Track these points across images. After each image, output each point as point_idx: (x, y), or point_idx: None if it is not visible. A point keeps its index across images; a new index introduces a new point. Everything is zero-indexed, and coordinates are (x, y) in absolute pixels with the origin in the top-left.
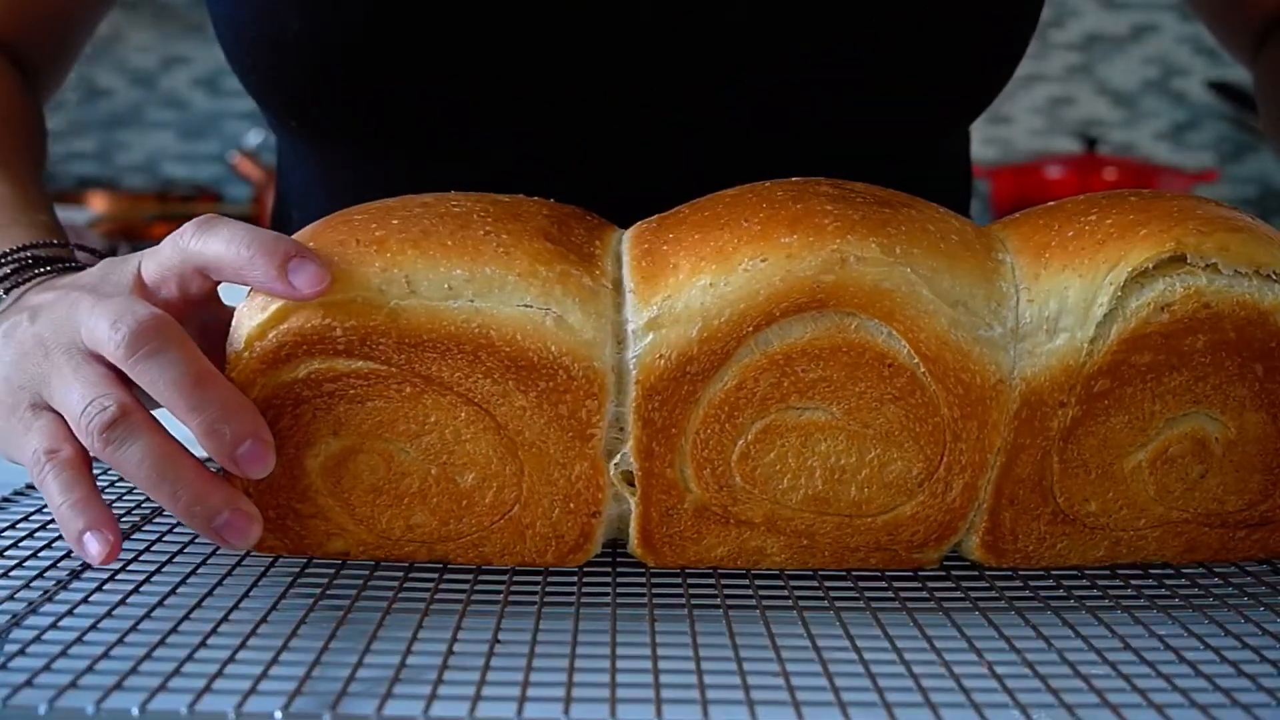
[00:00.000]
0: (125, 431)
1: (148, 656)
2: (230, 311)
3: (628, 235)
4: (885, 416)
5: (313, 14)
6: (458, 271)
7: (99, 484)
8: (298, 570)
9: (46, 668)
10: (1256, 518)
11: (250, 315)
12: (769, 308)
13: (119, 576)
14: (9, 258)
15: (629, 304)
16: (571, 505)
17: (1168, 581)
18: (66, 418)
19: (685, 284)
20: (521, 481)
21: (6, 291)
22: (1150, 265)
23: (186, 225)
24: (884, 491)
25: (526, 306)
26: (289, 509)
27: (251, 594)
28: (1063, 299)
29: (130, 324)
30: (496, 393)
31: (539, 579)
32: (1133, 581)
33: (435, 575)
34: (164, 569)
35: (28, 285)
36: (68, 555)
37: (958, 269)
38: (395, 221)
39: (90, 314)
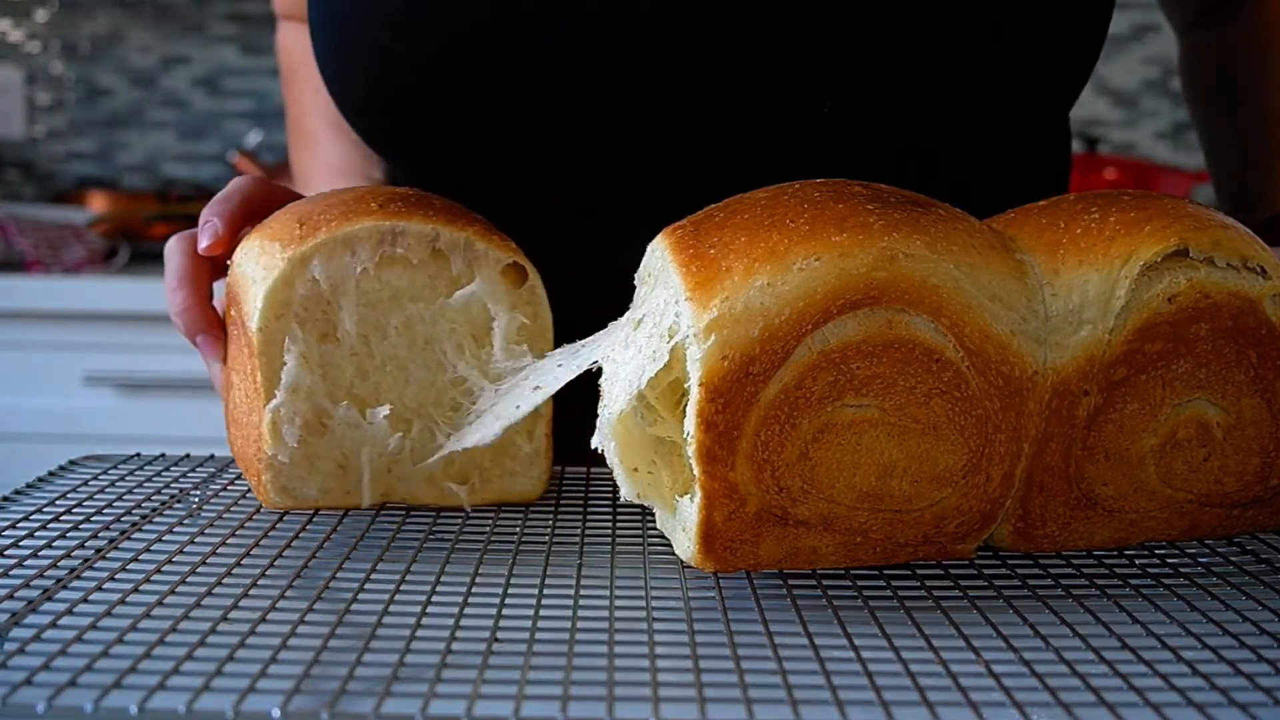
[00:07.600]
0: (171, 250)
1: (146, 655)
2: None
3: (664, 243)
4: (932, 410)
5: (370, 58)
6: (258, 243)
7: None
8: (296, 570)
9: (45, 666)
10: (1250, 497)
11: None
12: (826, 305)
13: (118, 576)
14: None
15: (686, 311)
16: (255, 449)
17: (1165, 581)
18: None
19: (742, 285)
20: (252, 418)
21: None
22: (1159, 259)
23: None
24: (931, 485)
25: (257, 271)
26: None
27: (250, 593)
28: (1084, 292)
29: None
30: (238, 341)
31: (537, 578)
32: (1131, 581)
33: (434, 572)
34: (163, 569)
35: None
36: (68, 555)
37: (992, 266)
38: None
39: None
